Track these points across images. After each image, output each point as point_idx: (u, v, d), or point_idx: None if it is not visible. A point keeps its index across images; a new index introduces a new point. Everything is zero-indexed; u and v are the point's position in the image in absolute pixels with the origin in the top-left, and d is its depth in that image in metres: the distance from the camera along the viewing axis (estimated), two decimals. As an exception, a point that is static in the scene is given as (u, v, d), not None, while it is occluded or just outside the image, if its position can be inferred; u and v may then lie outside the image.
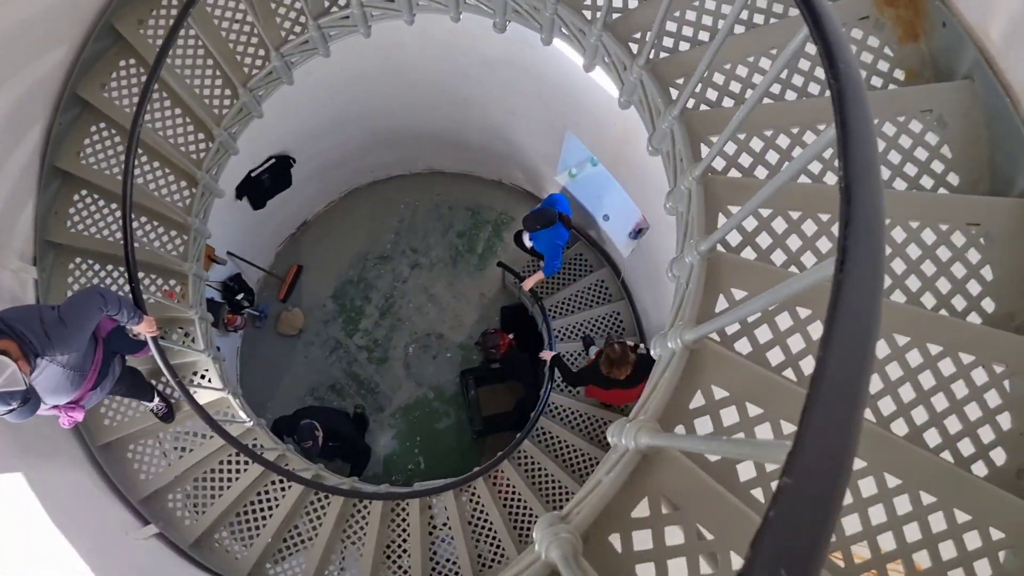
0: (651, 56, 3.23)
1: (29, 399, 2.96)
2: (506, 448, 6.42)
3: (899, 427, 2.32)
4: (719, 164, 2.85)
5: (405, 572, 5.37)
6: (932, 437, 2.30)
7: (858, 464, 2.15)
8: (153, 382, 4.89)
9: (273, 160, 6.78)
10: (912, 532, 2.10)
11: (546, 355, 6.36)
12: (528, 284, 6.57)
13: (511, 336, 7.71)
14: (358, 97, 6.45)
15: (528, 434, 6.51)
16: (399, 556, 5.46)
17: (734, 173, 2.84)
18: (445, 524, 5.72)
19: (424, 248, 8.52)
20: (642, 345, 5.36)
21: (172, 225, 5.07)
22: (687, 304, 2.42)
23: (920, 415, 2.32)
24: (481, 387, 7.90)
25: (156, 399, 4.82)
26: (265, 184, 6.87)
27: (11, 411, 2.94)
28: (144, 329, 3.91)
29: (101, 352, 3.71)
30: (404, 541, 5.52)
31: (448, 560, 5.52)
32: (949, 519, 2.09)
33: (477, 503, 5.87)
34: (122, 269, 4.92)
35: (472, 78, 6.03)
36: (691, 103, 3.04)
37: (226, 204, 6.60)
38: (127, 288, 4.15)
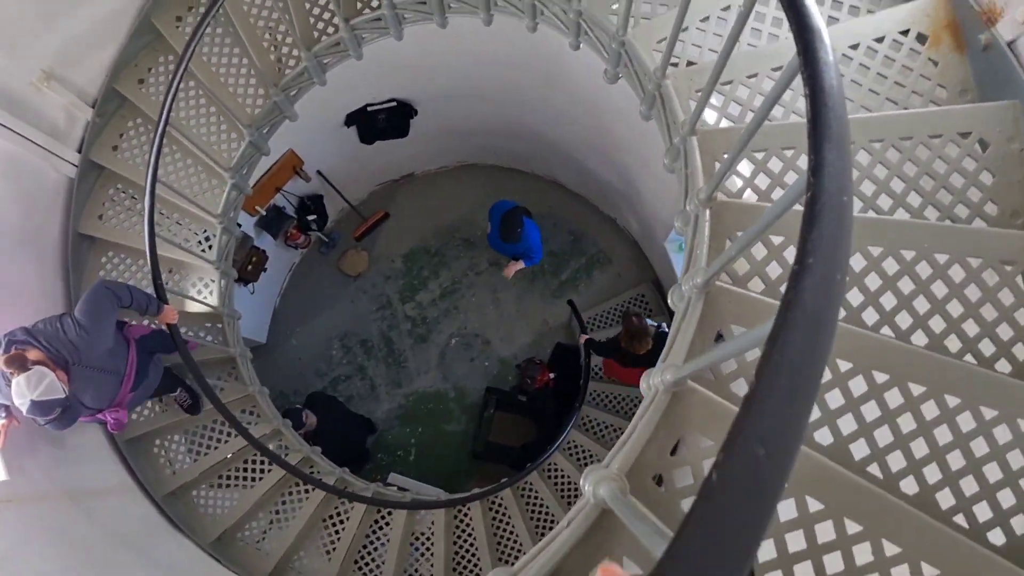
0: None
1: (69, 406, 3.08)
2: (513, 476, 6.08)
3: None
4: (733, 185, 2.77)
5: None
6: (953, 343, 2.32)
7: (843, 367, 2.23)
8: (178, 375, 4.85)
9: (394, 104, 6.56)
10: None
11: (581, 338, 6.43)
12: (510, 271, 6.43)
13: (552, 376, 7.26)
14: (500, 79, 6.13)
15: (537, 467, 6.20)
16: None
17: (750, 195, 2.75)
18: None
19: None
20: (663, 325, 5.32)
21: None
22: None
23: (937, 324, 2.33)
24: (500, 411, 7.57)
25: (179, 390, 4.78)
26: (379, 124, 6.73)
27: (52, 420, 3.07)
28: (165, 319, 3.97)
29: (135, 352, 3.75)
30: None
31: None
32: (978, 417, 2.11)
33: (467, 525, 5.73)
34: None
35: (621, 113, 5.58)
36: (713, 118, 2.94)
37: (332, 128, 6.55)
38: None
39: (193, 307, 4.97)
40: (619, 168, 6.76)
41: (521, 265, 6.35)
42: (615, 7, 3.25)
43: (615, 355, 5.79)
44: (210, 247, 4.91)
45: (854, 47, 2.93)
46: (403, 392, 7.92)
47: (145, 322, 4.09)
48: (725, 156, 2.48)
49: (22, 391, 2.92)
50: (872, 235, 2.41)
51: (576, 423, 6.64)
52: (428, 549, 5.42)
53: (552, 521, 5.87)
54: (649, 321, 5.18)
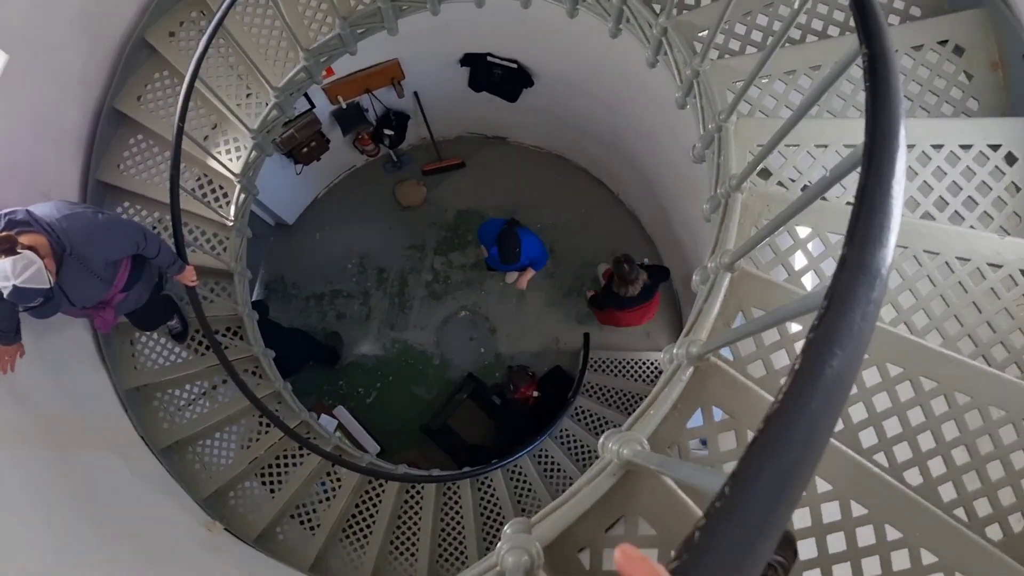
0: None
1: (52, 297, 3.07)
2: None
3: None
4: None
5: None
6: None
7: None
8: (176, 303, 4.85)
9: (515, 66, 6.25)
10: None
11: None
12: (523, 282, 6.45)
13: (536, 394, 6.97)
14: (619, 92, 5.75)
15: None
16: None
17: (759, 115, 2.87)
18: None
19: (560, 259, 7.79)
20: (646, 260, 5.57)
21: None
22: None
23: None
24: (470, 400, 7.35)
25: (175, 318, 4.78)
26: (494, 77, 6.46)
27: (32, 308, 3.06)
28: (185, 279, 3.99)
29: (129, 264, 3.70)
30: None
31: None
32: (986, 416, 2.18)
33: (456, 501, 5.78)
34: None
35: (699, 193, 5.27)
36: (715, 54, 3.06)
37: (446, 60, 6.37)
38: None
39: (204, 261, 4.81)
40: (689, 227, 6.37)
41: (532, 273, 6.26)
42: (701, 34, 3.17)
43: (613, 301, 6.04)
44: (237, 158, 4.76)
45: (937, 147, 2.77)
46: (393, 336, 7.73)
47: None
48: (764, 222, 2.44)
49: (6, 274, 2.82)
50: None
51: (535, 449, 6.41)
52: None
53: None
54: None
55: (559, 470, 6.42)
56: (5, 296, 2.91)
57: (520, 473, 6.23)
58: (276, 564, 4.92)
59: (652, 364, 7.37)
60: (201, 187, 4.82)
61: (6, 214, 3.05)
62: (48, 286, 2.97)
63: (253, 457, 5.03)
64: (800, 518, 2.04)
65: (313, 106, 6.28)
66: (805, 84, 2.96)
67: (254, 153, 4.62)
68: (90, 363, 4.49)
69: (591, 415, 7.02)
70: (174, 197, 3.87)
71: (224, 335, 5.07)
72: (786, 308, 1.35)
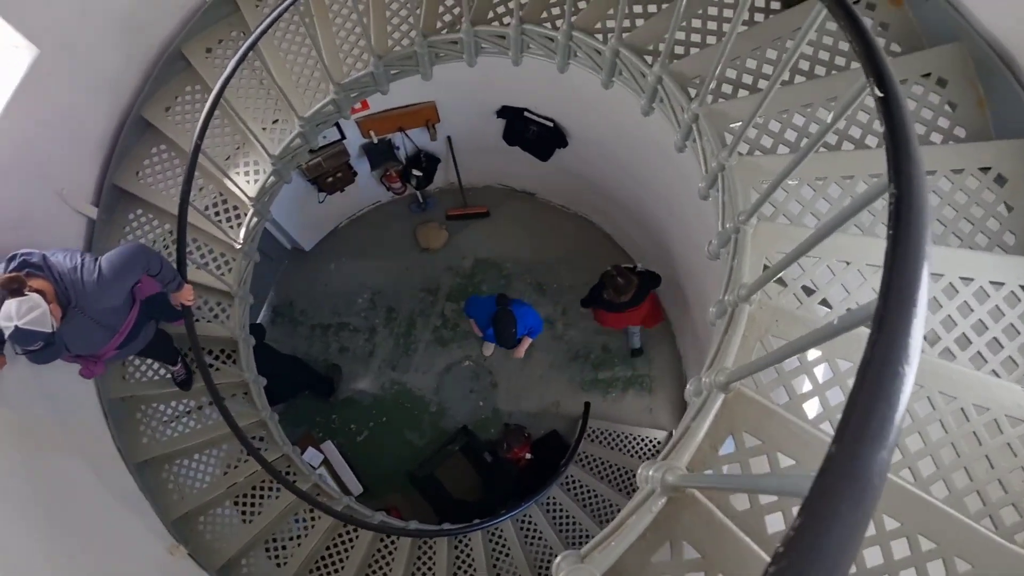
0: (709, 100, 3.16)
1: (53, 343, 3.04)
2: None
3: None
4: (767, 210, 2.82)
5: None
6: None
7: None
8: (179, 347, 4.76)
9: (551, 124, 6.22)
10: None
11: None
12: (521, 352, 6.34)
13: (529, 456, 6.79)
14: (653, 171, 5.72)
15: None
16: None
17: (782, 219, 2.84)
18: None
19: (571, 323, 7.70)
20: (638, 264, 5.86)
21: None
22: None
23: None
24: (461, 454, 7.21)
25: (179, 364, 4.73)
26: (528, 134, 6.43)
27: (32, 352, 3.05)
28: (182, 297, 3.93)
29: (136, 313, 3.74)
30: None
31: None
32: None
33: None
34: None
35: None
36: (745, 149, 3.04)
37: (483, 109, 6.39)
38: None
39: (207, 280, 4.79)
40: (705, 319, 6.22)
41: (529, 342, 6.16)
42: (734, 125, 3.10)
43: (603, 306, 6.19)
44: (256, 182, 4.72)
45: (966, 280, 2.62)
46: (393, 376, 7.62)
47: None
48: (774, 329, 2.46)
49: (10, 314, 2.85)
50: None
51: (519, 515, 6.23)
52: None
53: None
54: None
55: (540, 538, 6.21)
56: (6, 336, 2.92)
57: (500, 536, 6.04)
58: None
59: (651, 441, 7.19)
60: (215, 205, 4.76)
61: (22, 255, 3.10)
62: (51, 331, 2.96)
63: (232, 483, 4.93)
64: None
65: (343, 137, 6.27)
66: (835, 193, 2.84)
67: (272, 179, 4.57)
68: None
69: (581, 486, 6.82)
70: (182, 213, 3.82)
71: (217, 357, 4.99)
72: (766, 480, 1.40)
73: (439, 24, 4.07)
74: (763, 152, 3.04)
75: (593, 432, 7.25)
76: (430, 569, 5.50)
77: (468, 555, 5.77)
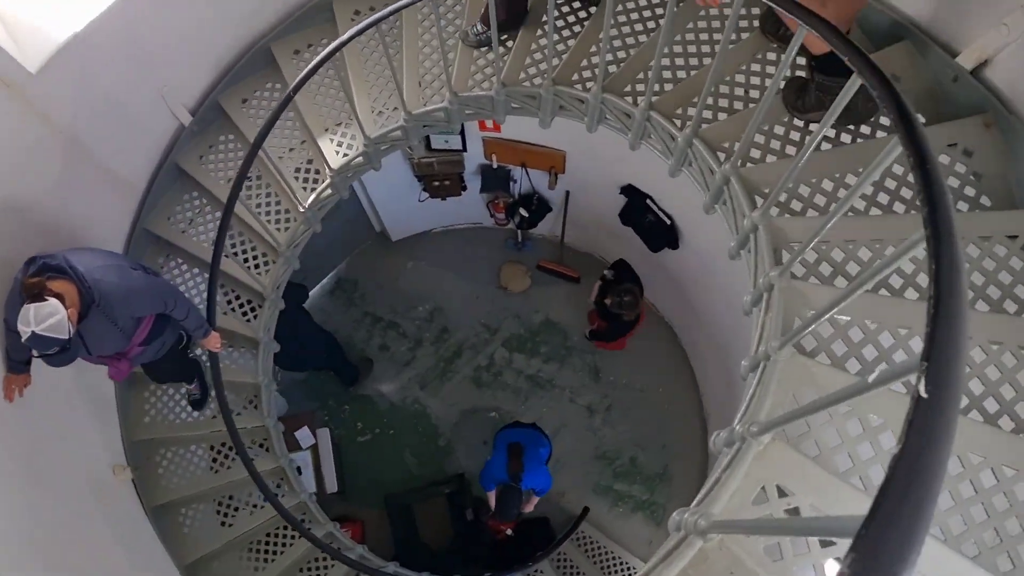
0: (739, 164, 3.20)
1: (69, 348, 3.03)
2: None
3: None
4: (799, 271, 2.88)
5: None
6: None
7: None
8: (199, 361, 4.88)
9: (669, 223, 5.91)
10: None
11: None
12: (530, 507, 5.80)
13: (511, 532, 6.41)
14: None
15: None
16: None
17: (813, 280, 2.89)
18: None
19: (611, 423, 7.31)
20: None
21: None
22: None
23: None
24: (446, 500, 6.91)
25: (195, 383, 4.80)
26: (644, 221, 6.12)
27: (47, 356, 3.03)
28: (209, 344, 4.01)
29: (152, 319, 3.75)
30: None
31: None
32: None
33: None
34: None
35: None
36: (775, 212, 3.06)
37: (607, 179, 6.10)
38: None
39: (233, 326, 4.86)
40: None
41: (536, 499, 5.80)
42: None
43: (619, 331, 6.54)
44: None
45: (996, 344, 2.55)
46: (418, 395, 7.42)
47: None
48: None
49: (27, 320, 2.88)
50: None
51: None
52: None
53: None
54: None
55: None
56: (23, 341, 2.93)
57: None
58: (158, 547, 4.67)
59: (634, 570, 6.67)
60: (299, 170, 4.78)
61: (43, 258, 3.11)
62: (67, 337, 2.96)
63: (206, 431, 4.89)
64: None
65: (465, 149, 6.14)
66: (864, 256, 2.86)
67: (359, 159, 4.45)
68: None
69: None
70: (215, 262, 3.92)
71: (251, 447, 5.02)
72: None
73: (574, 77, 3.85)
74: (819, 282, 2.93)
75: (582, 537, 6.82)
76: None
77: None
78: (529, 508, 5.73)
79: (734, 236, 3.29)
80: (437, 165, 6.27)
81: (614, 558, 6.71)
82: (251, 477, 4.37)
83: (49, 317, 2.88)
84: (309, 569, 5.24)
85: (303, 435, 6.57)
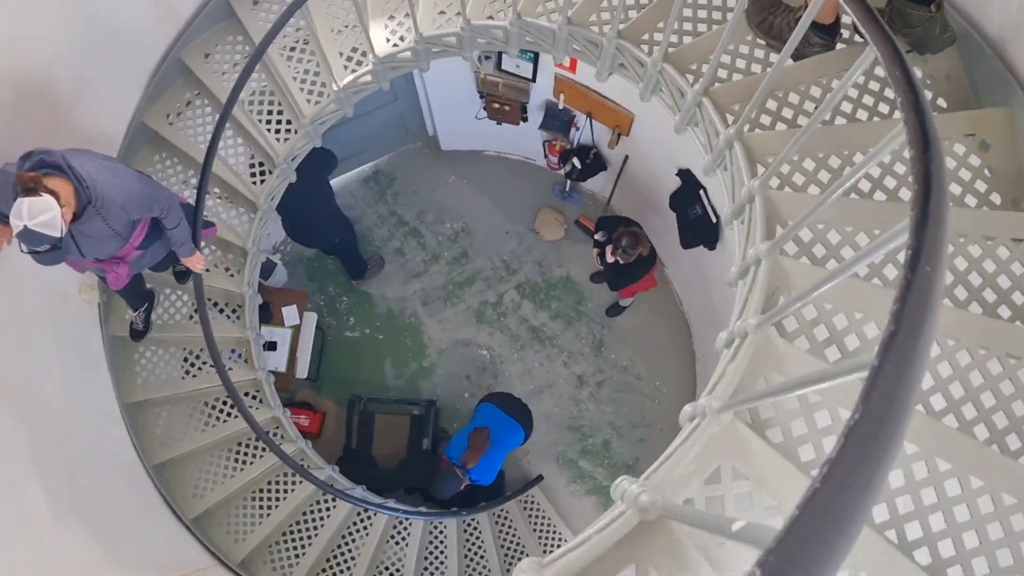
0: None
1: (59, 248, 3.00)
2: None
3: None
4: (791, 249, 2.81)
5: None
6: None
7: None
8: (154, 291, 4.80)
9: (715, 220, 5.54)
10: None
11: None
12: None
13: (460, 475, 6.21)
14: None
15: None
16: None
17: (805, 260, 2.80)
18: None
19: (604, 398, 7.07)
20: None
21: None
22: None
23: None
24: (409, 421, 6.77)
25: (139, 311, 4.63)
26: (691, 211, 5.76)
27: (37, 253, 3.00)
28: (194, 264, 3.97)
29: (147, 224, 3.70)
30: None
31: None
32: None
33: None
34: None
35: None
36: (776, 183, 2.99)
37: (667, 161, 5.91)
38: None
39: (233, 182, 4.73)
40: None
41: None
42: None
43: (636, 273, 6.06)
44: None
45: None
46: (417, 309, 7.30)
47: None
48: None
49: (20, 214, 2.85)
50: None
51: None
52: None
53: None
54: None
55: (405, 545, 5.80)
56: (14, 233, 2.92)
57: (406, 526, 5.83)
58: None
59: (563, 541, 6.52)
60: (346, 53, 4.54)
61: (41, 153, 3.04)
62: (58, 235, 2.94)
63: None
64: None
65: (534, 79, 5.80)
66: (863, 242, 2.78)
67: (407, 54, 4.17)
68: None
69: (477, 534, 6.26)
70: (206, 167, 3.88)
71: (223, 310, 5.07)
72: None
73: (643, 38, 3.52)
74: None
75: (529, 502, 6.68)
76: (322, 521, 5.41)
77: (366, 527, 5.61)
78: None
79: (730, 204, 3.20)
80: (502, 87, 5.95)
81: (554, 531, 6.57)
82: (204, 338, 4.24)
83: (42, 213, 2.86)
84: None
85: (290, 312, 6.48)
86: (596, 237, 6.22)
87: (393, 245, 7.35)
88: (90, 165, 3.18)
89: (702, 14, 3.55)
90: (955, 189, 2.86)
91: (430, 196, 7.50)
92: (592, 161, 6.54)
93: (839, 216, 2.77)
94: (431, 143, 7.55)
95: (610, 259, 5.84)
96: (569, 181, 7.00)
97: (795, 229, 2.24)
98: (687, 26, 3.55)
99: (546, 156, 6.95)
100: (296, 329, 6.52)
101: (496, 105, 6.21)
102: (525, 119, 6.42)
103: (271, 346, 6.37)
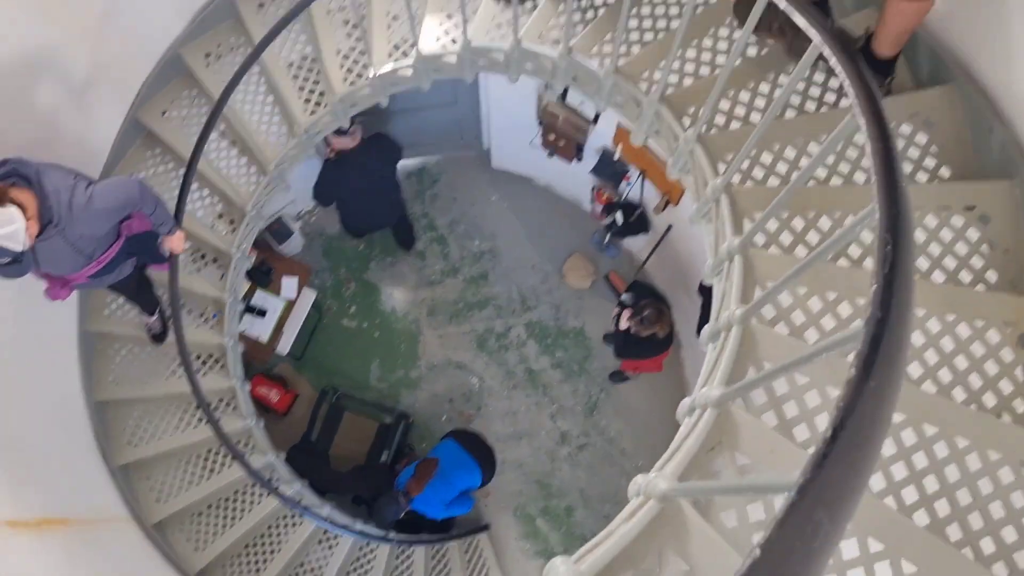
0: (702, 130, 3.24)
1: (21, 261, 2.95)
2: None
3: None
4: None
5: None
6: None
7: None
8: (161, 293, 4.67)
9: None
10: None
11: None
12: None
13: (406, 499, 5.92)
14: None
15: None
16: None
17: (774, 250, 2.95)
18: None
19: (582, 462, 6.76)
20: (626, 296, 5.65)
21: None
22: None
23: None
24: (376, 428, 6.54)
25: (156, 316, 4.65)
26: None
27: None
28: (172, 244, 3.80)
29: (118, 248, 3.63)
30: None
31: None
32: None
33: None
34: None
35: None
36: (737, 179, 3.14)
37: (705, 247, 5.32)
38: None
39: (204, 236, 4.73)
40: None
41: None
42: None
43: (642, 350, 5.75)
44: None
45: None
46: (420, 318, 7.07)
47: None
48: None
49: None
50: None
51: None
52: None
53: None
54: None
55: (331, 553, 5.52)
56: None
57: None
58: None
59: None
60: (306, 78, 4.59)
61: (15, 162, 2.99)
62: (20, 249, 2.87)
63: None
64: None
65: (595, 122, 5.55)
66: (825, 225, 2.98)
67: (367, 90, 4.29)
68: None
69: (408, 564, 5.95)
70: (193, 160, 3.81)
71: (201, 316, 4.96)
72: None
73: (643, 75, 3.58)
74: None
75: (473, 546, 6.34)
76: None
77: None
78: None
79: (696, 202, 3.41)
80: (562, 120, 5.72)
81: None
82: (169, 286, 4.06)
83: (7, 224, 2.78)
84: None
85: (289, 284, 6.34)
86: (622, 297, 5.91)
87: (417, 247, 7.13)
88: (59, 184, 3.09)
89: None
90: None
91: (468, 208, 7.28)
92: (636, 220, 6.25)
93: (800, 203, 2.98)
94: (483, 156, 7.32)
95: (623, 324, 5.52)
96: (609, 234, 6.71)
97: (763, 223, 2.45)
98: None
99: (592, 202, 6.69)
100: (291, 303, 6.33)
101: (553, 136, 5.97)
102: (579, 159, 6.16)
103: (260, 312, 6.21)
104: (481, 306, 7.03)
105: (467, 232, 7.21)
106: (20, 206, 2.84)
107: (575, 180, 6.73)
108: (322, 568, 5.39)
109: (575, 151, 6.05)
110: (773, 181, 3.19)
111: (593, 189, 6.51)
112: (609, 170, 6.06)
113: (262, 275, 6.21)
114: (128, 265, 3.93)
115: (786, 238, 3.00)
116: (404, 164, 7.20)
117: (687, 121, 3.39)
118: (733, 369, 2.45)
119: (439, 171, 7.35)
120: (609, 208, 6.37)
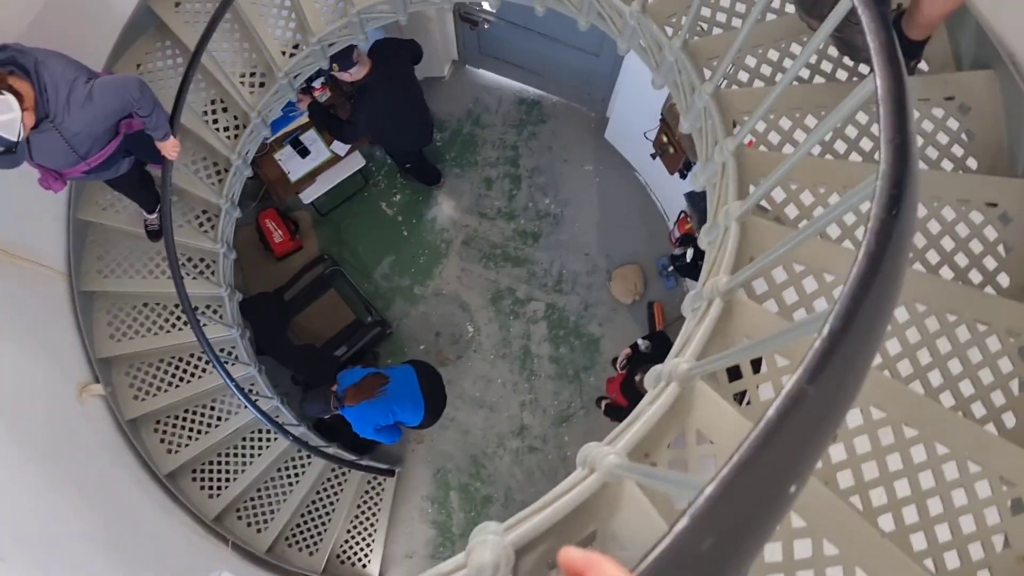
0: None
1: (14, 152, 2.93)
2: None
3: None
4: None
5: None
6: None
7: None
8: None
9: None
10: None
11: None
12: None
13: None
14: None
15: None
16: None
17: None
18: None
19: (527, 466, 6.36)
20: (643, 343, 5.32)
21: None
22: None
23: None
24: (353, 320, 6.24)
25: (156, 213, 4.60)
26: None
27: None
28: (167, 150, 3.80)
29: (115, 147, 3.62)
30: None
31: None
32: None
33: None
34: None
35: None
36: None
37: None
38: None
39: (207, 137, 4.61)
40: None
41: None
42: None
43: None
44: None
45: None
46: (455, 242, 6.74)
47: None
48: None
49: None
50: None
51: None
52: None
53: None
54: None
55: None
56: None
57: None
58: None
59: (371, 538, 6.04)
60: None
61: (14, 49, 2.95)
62: (15, 140, 2.85)
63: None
64: (771, 553, 2.02)
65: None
66: (811, 123, 2.99)
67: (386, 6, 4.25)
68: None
69: (302, 465, 5.68)
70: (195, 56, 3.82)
71: (198, 218, 4.86)
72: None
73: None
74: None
75: (375, 484, 6.12)
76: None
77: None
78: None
79: (702, 164, 3.40)
80: (674, 144, 5.19)
81: (371, 524, 6.04)
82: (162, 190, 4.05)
83: (5, 112, 2.78)
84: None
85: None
86: (639, 341, 5.35)
87: (487, 173, 6.74)
88: (59, 76, 3.05)
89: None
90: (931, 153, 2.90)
91: (558, 163, 6.80)
92: (701, 265, 5.63)
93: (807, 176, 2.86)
94: (599, 121, 6.81)
95: (634, 376, 4.93)
96: (673, 265, 6.14)
97: (767, 190, 2.35)
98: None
99: (674, 226, 6.09)
100: (336, 158, 6.01)
101: (665, 139, 5.39)
102: (683, 176, 5.56)
103: (303, 152, 5.93)
104: (517, 263, 6.60)
105: (544, 186, 6.75)
106: (17, 95, 2.82)
107: (669, 194, 6.21)
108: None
109: (681, 166, 5.46)
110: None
111: (681, 213, 5.92)
112: (703, 204, 5.45)
113: (327, 119, 5.87)
114: (126, 163, 3.92)
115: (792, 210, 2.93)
116: (523, 88, 6.78)
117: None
118: (707, 344, 2.33)
119: (550, 113, 6.88)
120: (685, 240, 5.79)
